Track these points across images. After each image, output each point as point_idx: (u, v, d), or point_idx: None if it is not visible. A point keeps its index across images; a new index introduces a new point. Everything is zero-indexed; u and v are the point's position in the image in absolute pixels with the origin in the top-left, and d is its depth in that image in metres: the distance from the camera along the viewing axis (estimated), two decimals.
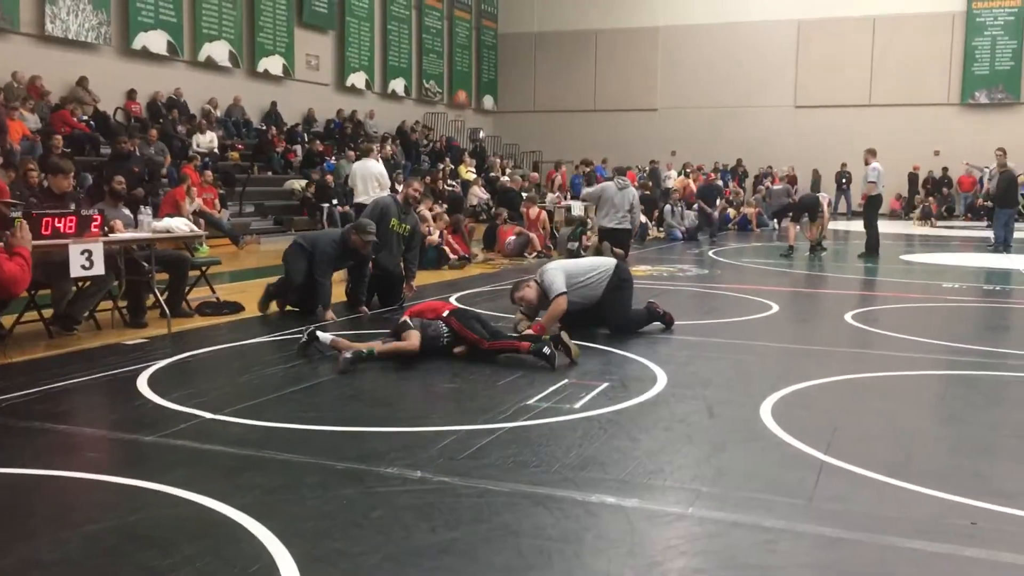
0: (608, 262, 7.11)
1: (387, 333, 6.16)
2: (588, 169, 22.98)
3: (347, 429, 4.27)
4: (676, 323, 7.30)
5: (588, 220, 14.60)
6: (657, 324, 7.21)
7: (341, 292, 8.40)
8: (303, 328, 6.27)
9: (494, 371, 5.62)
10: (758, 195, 24.07)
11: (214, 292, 8.47)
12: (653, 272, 12.03)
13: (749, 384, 5.39)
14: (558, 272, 6.77)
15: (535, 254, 13.86)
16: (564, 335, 5.89)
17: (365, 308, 7.94)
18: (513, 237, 14.07)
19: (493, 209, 16.83)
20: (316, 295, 7.61)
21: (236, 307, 7.93)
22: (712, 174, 22.87)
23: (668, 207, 19.09)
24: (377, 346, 5.79)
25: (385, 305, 8.39)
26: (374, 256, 8.13)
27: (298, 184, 18.34)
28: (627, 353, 6.27)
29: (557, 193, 19.96)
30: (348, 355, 5.49)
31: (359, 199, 12.41)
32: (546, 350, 5.70)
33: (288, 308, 7.87)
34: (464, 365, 5.78)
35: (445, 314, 6.04)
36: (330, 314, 7.52)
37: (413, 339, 5.79)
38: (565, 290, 6.64)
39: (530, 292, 6.74)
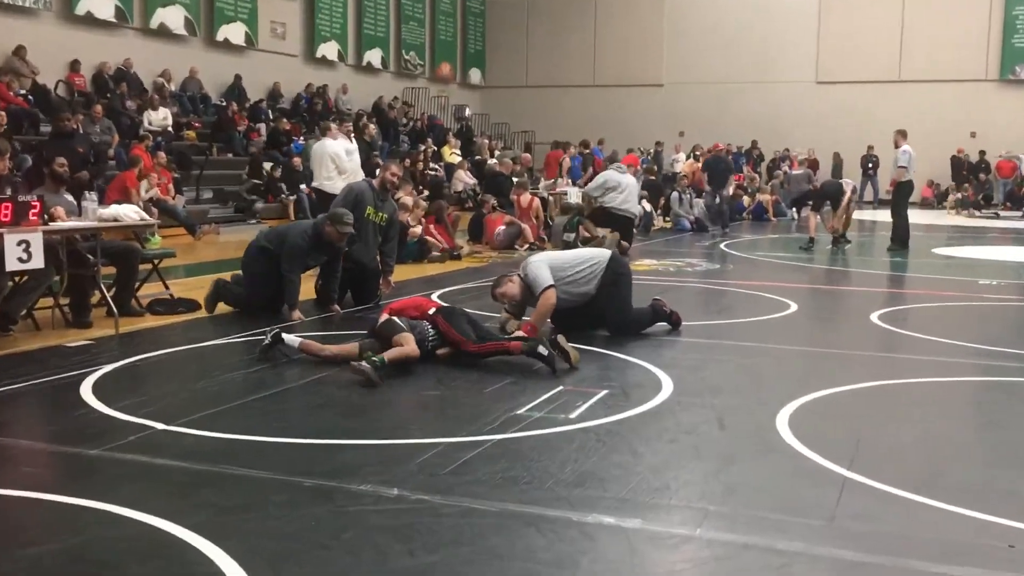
0: (601, 254, 7.12)
1: (364, 334, 6.15)
2: (587, 151, 23.03)
3: (316, 441, 4.27)
4: (684, 323, 7.33)
5: (585, 208, 14.62)
6: (662, 324, 7.24)
7: (310, 288, 8.39)
8: (267, 329, 6.26)
9: (481, 377, 5.64)
10: (775, 181, 24.13)
11: (167, 288, 8.45)
12: (659, 267, 12.05)
13: (764, 391, 5.42)
14: (542, 265, 6.78)
15: (527, 246, 13.89)
16: (561, 339, 5.89)
17: (337, 307, 7.92)
18: (503, 227, 14.07)
19: (480, 196, 16.82)
20: (283, 292, 7.58)
21: (192, 305, 7.91)
22: (720, 144, 22.77)
23: (675, 194, 19.14)
24: (357, 350, 5.80)
25: (359, 303, 8.38)
26: (347, 248, 8.11)
27: (264, 166, 18.29)
28: (628, 357, 6.29)
29: (565, 179, 19.91)
30: (366, 366, 5.40)
31: (316, 183, 12.42)
32: (542, 349, 5.71)
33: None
34: (448, 370, 5.79)
35: (431, 312, 6.04)
36: (297, 314, 7.51)
37: (411, 343, 5.76)
38: (553, 283, 6.66)
39: (512, 287, 6.75)
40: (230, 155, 19.02)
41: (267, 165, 18.22)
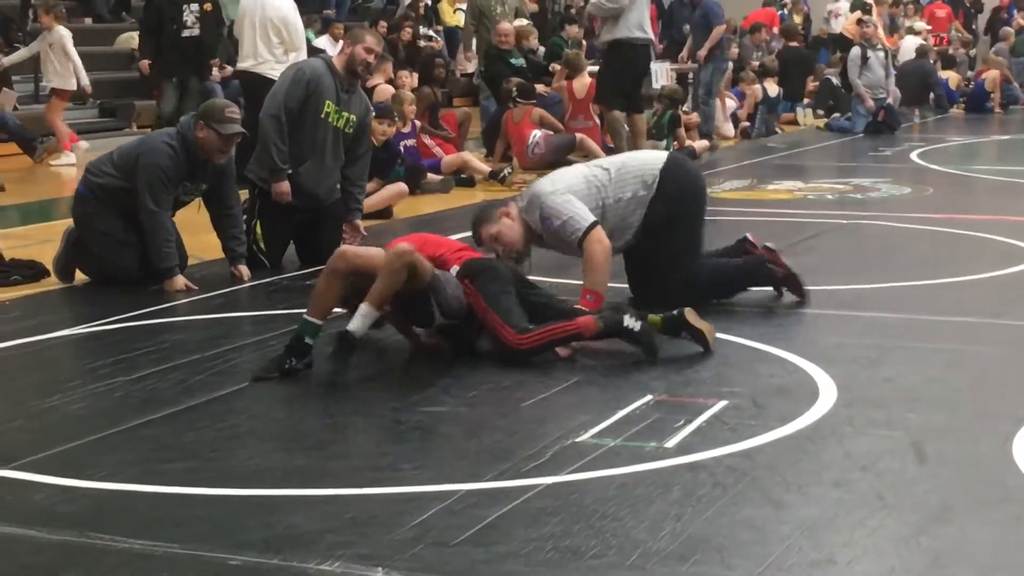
0: (652, 159, 7.08)
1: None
2: None
3: (246, 492, 4.28)
4: (852, 289, 7.33)
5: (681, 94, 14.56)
6: (762, 292, 7.20)
7: (212, 241, 8.29)
8: (165, 306, 6.26)
9: (516, 380, 5.65)
10: (1002, 45, 23.85)
11: None
12: (807, 193, 11.98)
13: (991, 399, 5.38)
14: (565, 195, 6.67)
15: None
16: (689, 312, 5.98)
17: (243, 267, 7.87)
18: (539, 133, 13.87)
19: (505, 83, 16.68)
20: (150, 246, 7.53)
21: (35, 271, 7.97)
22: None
23: (856, 51, 18.36)
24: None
25: (313, 260, 8.30)
26: (286, 169, 8.09)
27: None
28: (760, 344, 6.27)
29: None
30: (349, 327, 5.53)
31: (245, 64, 12.39)
32: (631, 322, 5.75)
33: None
34: (458, 368, 5.82)
35: (454, 272, 5.98)
36: (181, 281, 7.50)
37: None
38: (596, 219, 6.64)
39: (512, 228, 6.66)
40: (88, 20, 19.00)
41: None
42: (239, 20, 12.49)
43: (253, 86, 11.86)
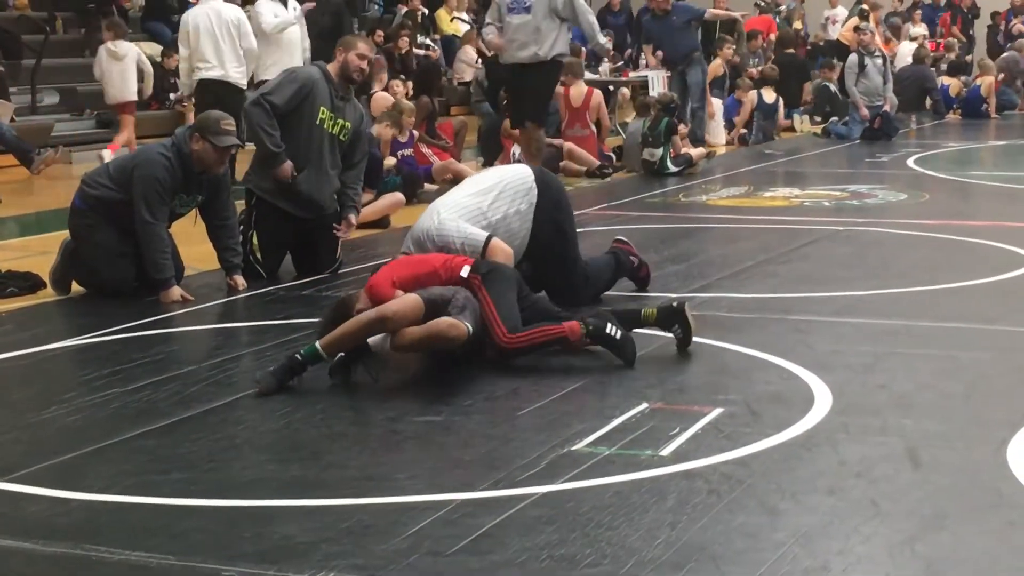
0: (521, 174, 7.21)
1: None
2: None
3: (240, 503, 4.28)
4: (849, 298, 7.34)
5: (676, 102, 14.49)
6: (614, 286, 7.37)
7: (208, 251, 8.28)
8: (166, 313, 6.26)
9: (511, 389, 5.65)
10: (1016, 54, 23.86)
11: None
12: (804, 200, 11.98)
13: (986, 406, 5.38)
14: (451, 220, 6.76)
15: (593, 171, 13.63)
16: (688, 308, 6.13)
17: (238, 278, 7.85)
18: (516, 150, 13.70)
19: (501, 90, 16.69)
20: (146, 258, 7.54)
21: (31, 283, 7.98)
22: None
23: (854, 57, 18.33)
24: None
25: (309, 270, 8.40)
26: (281, 150, 8.05)
27: (140, 52, 18.28)
28: (755, 352, 6.27)
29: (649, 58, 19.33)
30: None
31: (211, 74, 12.45)
32: (614, 331, 5.77)
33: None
34: (450, 374, 5.81)
35: (465, 273, 5.97)
36: (177, 291, 7.49)
37: (449, 320, 5.67)
38: (490, 233, 6.76)
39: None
40: (85, 32, 19.01)
41: (148, 48, 18.23)
42: (192, 34, 12.56)
43: (222, 95, 11.94)
